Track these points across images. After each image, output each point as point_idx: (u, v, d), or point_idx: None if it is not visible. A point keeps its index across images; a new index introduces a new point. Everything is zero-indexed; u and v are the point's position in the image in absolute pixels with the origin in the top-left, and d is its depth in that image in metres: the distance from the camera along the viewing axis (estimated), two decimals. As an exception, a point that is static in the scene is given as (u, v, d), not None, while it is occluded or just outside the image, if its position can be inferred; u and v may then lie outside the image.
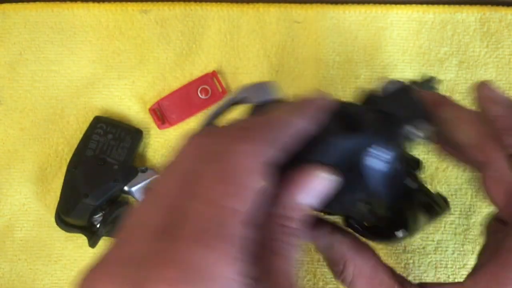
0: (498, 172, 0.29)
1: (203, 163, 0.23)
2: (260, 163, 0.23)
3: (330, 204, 0.28)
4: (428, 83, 0.41)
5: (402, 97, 0.34)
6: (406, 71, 0.52)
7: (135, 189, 0.49)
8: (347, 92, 0.52)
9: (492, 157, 0.30)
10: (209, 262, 0.20)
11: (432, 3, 0.52)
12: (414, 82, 0.39)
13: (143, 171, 0.49)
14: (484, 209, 0.51)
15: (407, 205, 0.33)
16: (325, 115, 0.28)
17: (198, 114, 0.52)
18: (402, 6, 0.52)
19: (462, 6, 0.52)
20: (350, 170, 0.29)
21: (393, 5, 0.52)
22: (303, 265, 0.51)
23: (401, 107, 0.33)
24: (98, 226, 0.48)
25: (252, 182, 0.23)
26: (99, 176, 0.48)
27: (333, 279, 0.51)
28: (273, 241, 0.24)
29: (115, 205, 0.49)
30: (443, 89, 0.52)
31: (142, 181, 0.49)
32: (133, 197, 0.49)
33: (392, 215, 0.32)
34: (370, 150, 0.30)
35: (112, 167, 0.48)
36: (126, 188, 0.48)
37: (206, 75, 0.51)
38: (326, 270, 0.51)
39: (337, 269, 0.31)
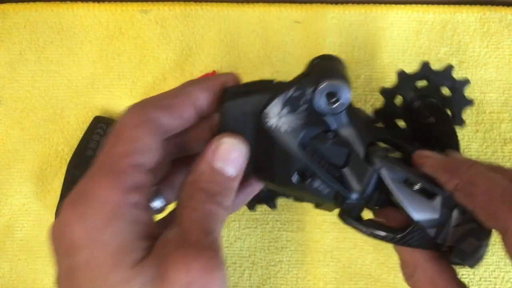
0: None
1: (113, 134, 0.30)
2: (150, 128, 0.30)
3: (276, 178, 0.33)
4: (446, 72, 0.45)
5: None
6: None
7: None
8: (347, 92, 0.52)
9: (508, 224, 0.28)
10: (96, 189, 0.27)
11: (432, 3, 0.53)
12: (434, 72, 0.43)
13: None
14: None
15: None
16: (222, 89, 0.34)
17: (198, 114, 0.52)
18: (402, 6, 0.52)
19: (462, 6, 0.52)
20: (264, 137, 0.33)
21: (393, 5, 0.52)
22: (303, 265, 0.51)
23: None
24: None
25: (136, 135, 0.29)
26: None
27: (333, 279, 0.51)
28: (189, 200, 0.30)
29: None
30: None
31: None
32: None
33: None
34: (266, 112, 0.34)
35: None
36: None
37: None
38: (326, 270, 0.51)
39: (406, 271, 0.36)
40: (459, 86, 0.45)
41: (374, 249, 0.50)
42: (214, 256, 0.27)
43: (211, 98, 0.33)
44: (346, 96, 0.34)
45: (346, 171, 0.36)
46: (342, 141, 0.36)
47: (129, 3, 0.53)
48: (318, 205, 0.42)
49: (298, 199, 0.48)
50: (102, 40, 0.53)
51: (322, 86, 0.33)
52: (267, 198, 0.50)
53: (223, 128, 0.35)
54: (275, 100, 0.34)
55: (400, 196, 0.36)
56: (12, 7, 0.53)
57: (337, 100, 0.34)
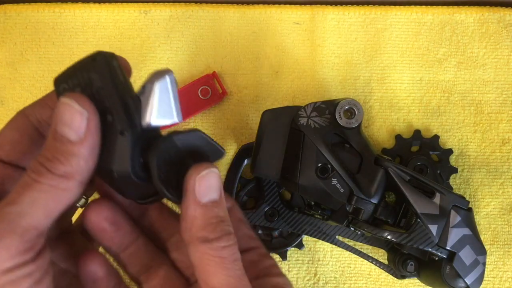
0: None
1: None
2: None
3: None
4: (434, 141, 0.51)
5: None
6: (405, 72, 0.52)
7: None
8: (346, 94, 0.52)
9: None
10: None
11: (431, 4, 0.53)
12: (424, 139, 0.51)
13: None
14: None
15: None
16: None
17: (198, 115, 0.52)
18: (401, 7, 0.53)
19: (461, 7, 0.53)
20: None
21: (392, 7, 0.53)
22: (303, 265, 0.52)
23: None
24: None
25: None
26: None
27: (333, 279, 0.51)
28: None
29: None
30: (442, 89, 0.52)
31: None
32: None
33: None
34: (299, 113, 0.44)
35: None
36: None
37: (207, 76, 0.52)
38: (326, 269, 0.51)
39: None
40: (443, 156, 0.51)
41: (373, 249, 0.51)
42: (3, 227, 0.27)
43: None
44: (360, 113, 0.44)
45: (359, 177, 0.43)
46: (356, 151, 0.43)
47: (129, 3, 0.53)
48: (328, 218, 0.45)
49: (307, 227, 0.50)
50: (102, 40, 0.53)
51: (343, 102, 0.44)
52: (279, 247, 0.50)
53: (261, 133, 0.44)
54: (307, 105, 0.44)
55: (406, 192, 0.42)
56: (13, 7, 0.53)
57: (353, 116, 0.44)
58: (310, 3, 0.53)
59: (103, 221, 0.34)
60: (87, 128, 0.29)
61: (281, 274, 0.34)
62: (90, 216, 0.34)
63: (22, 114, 0.33)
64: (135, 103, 0.31)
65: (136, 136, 0.30)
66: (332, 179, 0.43)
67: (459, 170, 0.51)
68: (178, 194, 0.31)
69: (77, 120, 0.29)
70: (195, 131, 0.32)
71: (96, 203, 0.35)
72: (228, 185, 0.51)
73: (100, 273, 0.34)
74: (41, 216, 0.28)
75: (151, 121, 0.31)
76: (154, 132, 0.32)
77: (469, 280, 0.41)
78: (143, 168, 0.31)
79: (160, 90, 0.31)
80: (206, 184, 0.30)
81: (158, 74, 0.31)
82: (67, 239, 0.35)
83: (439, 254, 0.42)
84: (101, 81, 0.30)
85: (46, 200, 0.28)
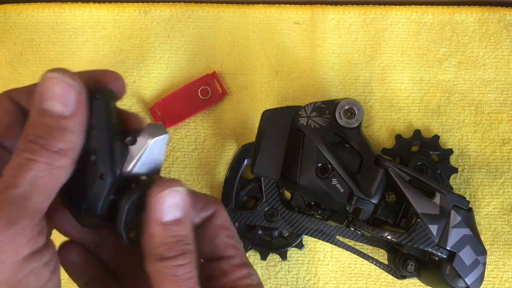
0: None
1: None
2: None
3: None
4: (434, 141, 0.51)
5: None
6: (405, 72, 0.52)
7: None
8: (346, 94, 0.52)
9: None
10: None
11: (431, 4, 0.53)
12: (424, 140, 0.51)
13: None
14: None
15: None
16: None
17: (198, 115, 0.52)
18: (401, 7, 0.52)
19: (461, 7, 0.53)
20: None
21: (392, 6, 0.52)
22: (303, 265, 0.52)
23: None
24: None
25: None
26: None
27: (333, 279, 0.51)
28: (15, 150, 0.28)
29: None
30: (442, 89, 0.52)
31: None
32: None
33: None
34: (299, 113, 0.44)
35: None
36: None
37: (207, 76, 0.51)
38: (326, 269, 0.51)
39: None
40: (444, 156, 0.51)
41: (373, 249, 0.51)
42: (13, 212, 0.26)
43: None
44: (360, 113, 0.44)
45: (359, 177, 0.43)
46: (356, 152, 0.43)
47: (129, 3, 0.53)
48: (328, 218, 0.45)
49: (305, 228, 0.49)
50: (102, 40, 0.53)
51: (343, 102, 0.44)
52: (279, 247, 0.50)
53: (261, 133, 0.44)
54: (307, 105, 0.44)
55: (406, 192, 0.42)
56: (13, 7, 0.53)
57: (353, 116, 0.44)
58: (310, 3, 0.53)
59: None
60: (78, 102, 0.28)
61: (250, 286, 0.33)
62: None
63: (6, 95, 0.31)
64: (121, 149, 0.31)
65: (114, 180, 0.30)
66: (332, 179, 0.43)
67: (459, 170, 0.51)
68: (134, 240, 0.31)
69: (68, 93, 0.28)
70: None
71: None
72: (228, 185, 0.51)
73: (79, 262, 0.34)
74: (43, 198, 0.27)
75: (132, 171, 0.31)
76: (130, 177, 0.31)
77: (469, 280, 0.41)
78: (109, 208, 0.31)
79: (153, 147, 0.31)
80: (168, 203, 0.30)
81: (155, 131, 0.31)
82: None
83: (439, 254, 0.42)
84: (95, 120, 0.30)
85: (45, 180, 0.27)
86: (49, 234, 0.29)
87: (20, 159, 0.27)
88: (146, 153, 0.31)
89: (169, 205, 0.30)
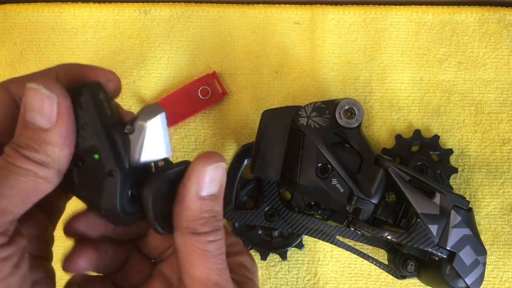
0: None
1: None
2: None
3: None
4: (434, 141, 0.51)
5: None
6: (406, 72, 0.52)
7: None
8: (346, 93, 0.52)
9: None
10: None
11: (431, 4, 0.53)
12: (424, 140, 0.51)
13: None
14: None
15: None
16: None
17: (198, 115, 0.52)
18: (401, 7, 0.52)
19: (461, 7, 0.53)
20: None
21: (392, 6, 0.52)
22: (303, 265, 0.52)
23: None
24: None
25: None
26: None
27: (333, 279, 0.51)
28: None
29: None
30: (442, 89, 0.52)
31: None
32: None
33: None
34: (299, 113, 0.44)
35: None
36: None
37: (207, 76, 0.51)
38: (326, 269, 0.51)
39: None
40: (444, 156, 0.51)
41: (373, 249, 0.51)
42: None
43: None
44: (360, 113, 0.44)
45: (359, 177, 0.43)
46: (356, 151, 0.44)
47: (129, 3, 0.53)
48: (328, 218, 0.45)
49: (306, 227, 0.49)
50: (102, 40, 0.53)
51: (343, 102, 0.44)
52: (279, 247, 0.51)
53: (261, 133, 0.44)
54: (307, 105, 0.44)
55: (406, 192, 0.42)
56: (13, 7, 0.53)
57: (353, 116, 0.44)
58: (310, 3, 0.53)
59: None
60: (58, 113, 0.27)
61: (241, 253, 0.34)
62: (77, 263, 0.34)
63: (2, 87, 0.30)
64: (122, 139, 0.30)
65: (125, 174, 0.30)
66: (332, 179, 0.43)
67: (459, 170, 0.51)
68: (171, 227, 0.31)
69: (47, 106, 0.27)
70: (187, 163, 0.31)
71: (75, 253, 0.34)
72: (228, 185, 0.51)
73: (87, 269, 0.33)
74: (18, 201, 0.27)
75: (140, 159, 0.30)
76: (143, 166, 0.31)
77: (469, 280, 0.41)
78: (131, 203, 0.30)
79: (151, 129, 0.30)
80: (210, 178, 0.30)
81: (150, 112, 0.31)
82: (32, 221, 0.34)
83: (439, 254, 0.42)
84: (87, 117, 0.29)
85: (26, 185, 0.27)
86: (16, 233, 0.28)
87: (4, 162, 0.27)
88: (147, 137, 0.30)
89: (210, 180, 0.30)
